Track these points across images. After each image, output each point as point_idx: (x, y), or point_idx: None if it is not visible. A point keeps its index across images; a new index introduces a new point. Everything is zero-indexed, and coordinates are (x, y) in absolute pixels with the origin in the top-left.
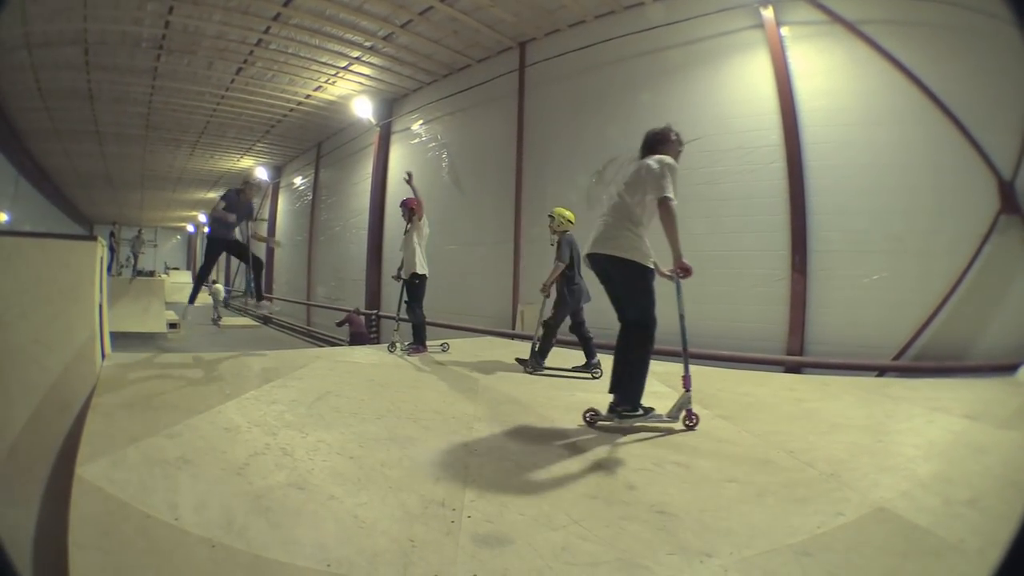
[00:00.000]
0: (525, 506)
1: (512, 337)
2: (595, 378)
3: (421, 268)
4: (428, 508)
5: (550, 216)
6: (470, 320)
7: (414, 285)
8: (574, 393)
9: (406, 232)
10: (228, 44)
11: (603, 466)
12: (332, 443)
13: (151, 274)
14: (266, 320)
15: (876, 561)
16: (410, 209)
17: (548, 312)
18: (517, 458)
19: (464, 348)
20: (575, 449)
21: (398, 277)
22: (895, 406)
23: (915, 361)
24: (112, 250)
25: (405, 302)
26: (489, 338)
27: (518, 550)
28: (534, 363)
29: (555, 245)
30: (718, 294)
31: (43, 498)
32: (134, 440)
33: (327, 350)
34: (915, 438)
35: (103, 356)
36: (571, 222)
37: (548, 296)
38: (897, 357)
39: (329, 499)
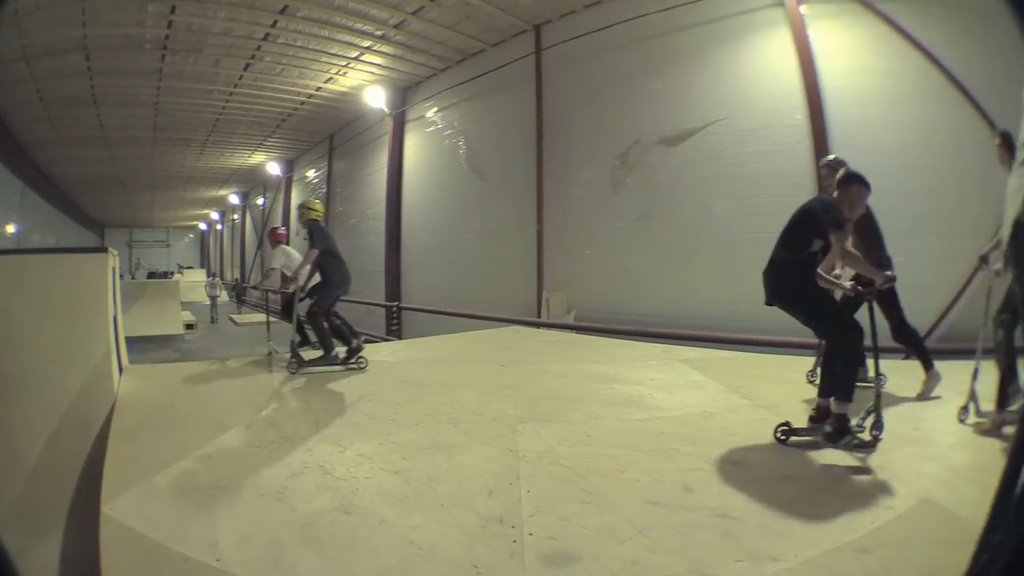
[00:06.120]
0: (587, 517)
1: (539, 325)
2: (361, 368)
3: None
4: (487, 527)
5: (299, 208)
6: (494, 309)
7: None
8: (611, 386)
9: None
10: (234, 40)
11: (658, 467)
12: (374, 456)
13: (165, 275)
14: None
15: (926, 553)
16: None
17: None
18: (568, 463)
19: (491, 340)
20: (625, 448)
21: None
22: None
23: (941, 343)
24: None
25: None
26: (516, 327)
27: (588, 567)
28: (296, 362)
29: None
30: (748, 278)
31: (66, 529)
32: (162, 466)
33: None
34: (949, 424)
35: (120, 370)
36: (319, 211)
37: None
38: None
39: (380, 523)
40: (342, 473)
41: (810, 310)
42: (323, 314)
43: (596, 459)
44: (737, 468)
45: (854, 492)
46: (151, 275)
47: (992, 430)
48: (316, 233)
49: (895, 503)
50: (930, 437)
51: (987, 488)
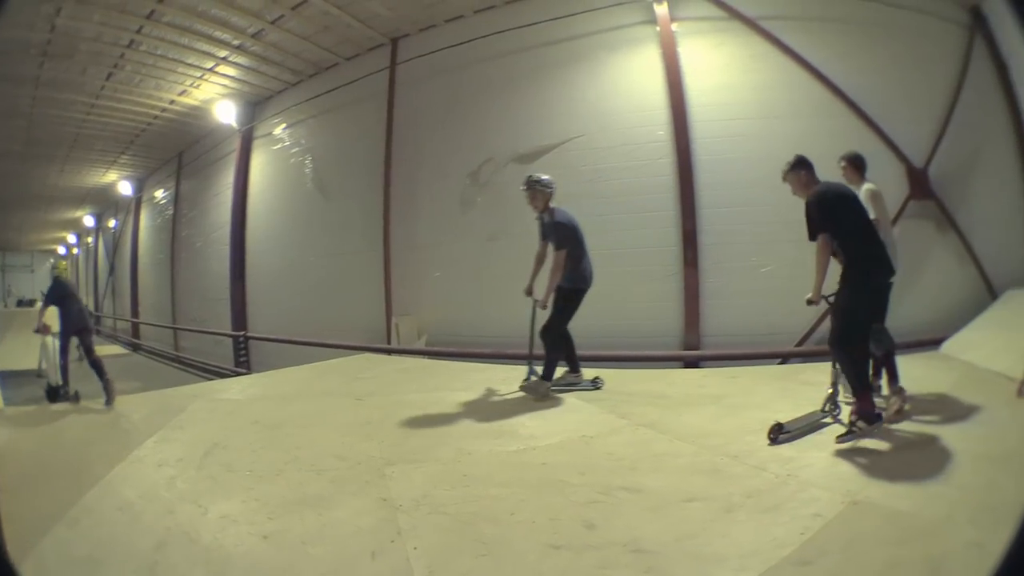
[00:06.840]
0: (488, 572)
1: (389, 352)
2: (107, 405)
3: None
4: None
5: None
6: (342, 336)
7: None
8: (490, 420)
9: None
10: (103, 47)
11: (551, 504)
12: (238, 517)
13: (31, 303)
14: (135, 348)
15: (875, 554)
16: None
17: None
18: (450, 509)
19: (342, 370)
20: (509, 486)
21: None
22: (819, 392)
23: (821, 345)
24: None
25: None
26: (366, 355)
27: None
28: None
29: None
30: (608, 292)
31: None
32: (45, 530)
33: (202, 386)
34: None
35: None
36: (58, 270)
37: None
38: (800, 343)
39: None
40: (209, 541)
41: None
42: (61, 350)
43: (480, 501)
44: (636, 495)
45: (769, 506)
46: (20, 303)
47: (902, 411)
48: (50, 287)
49: (821, 509)
50: (815, 441)
51: (920, 478)
